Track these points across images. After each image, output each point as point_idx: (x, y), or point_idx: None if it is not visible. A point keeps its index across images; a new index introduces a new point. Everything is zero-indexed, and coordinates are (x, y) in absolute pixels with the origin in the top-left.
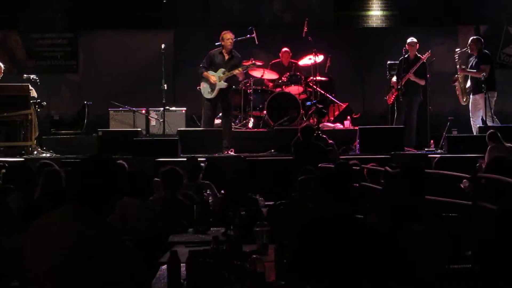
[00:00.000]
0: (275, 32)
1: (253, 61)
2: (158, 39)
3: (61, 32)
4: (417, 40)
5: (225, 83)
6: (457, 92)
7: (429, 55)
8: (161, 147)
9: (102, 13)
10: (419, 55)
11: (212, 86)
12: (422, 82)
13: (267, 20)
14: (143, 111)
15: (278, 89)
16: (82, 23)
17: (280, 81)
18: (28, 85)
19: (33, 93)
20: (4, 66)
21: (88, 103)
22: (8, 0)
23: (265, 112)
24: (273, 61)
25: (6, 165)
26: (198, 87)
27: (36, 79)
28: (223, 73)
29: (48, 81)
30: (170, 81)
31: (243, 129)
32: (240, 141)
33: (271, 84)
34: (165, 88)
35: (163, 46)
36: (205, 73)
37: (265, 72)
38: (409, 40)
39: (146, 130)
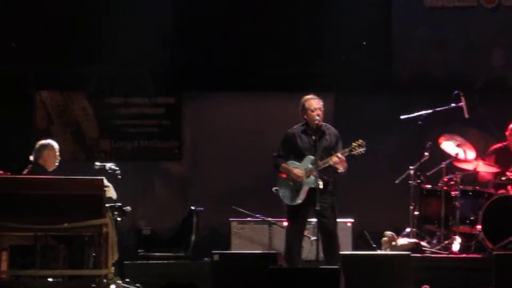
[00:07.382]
0: (496, 99)
1: (362, 142)
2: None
3: (154, 96)
4: None
5: (319, 180)
6: None
7: None
8: (314, 280)
9: (217, 70)
10: None
11: (297, 185)
12: None
13: (483, 81)
14: (285, 223)
15: (501, 191)
16: (188, 83)
17: (504, 178)
18: (103, 180)
19: (110, 193)
20: (58, 147)
21: (198, 209)
22: (74, 49)
23: (479, 227)
24: (494, 146)
25: None
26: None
27: (115, 170)
28: (313, 163)
29: (135, 174)
30: None
31: (445, 254)
32: (440, 272)
33: (490, 182)
34: (319, 186)
35: (317, 117)
36: (284, 165)
37: (480, 162)
38: None
39: None
